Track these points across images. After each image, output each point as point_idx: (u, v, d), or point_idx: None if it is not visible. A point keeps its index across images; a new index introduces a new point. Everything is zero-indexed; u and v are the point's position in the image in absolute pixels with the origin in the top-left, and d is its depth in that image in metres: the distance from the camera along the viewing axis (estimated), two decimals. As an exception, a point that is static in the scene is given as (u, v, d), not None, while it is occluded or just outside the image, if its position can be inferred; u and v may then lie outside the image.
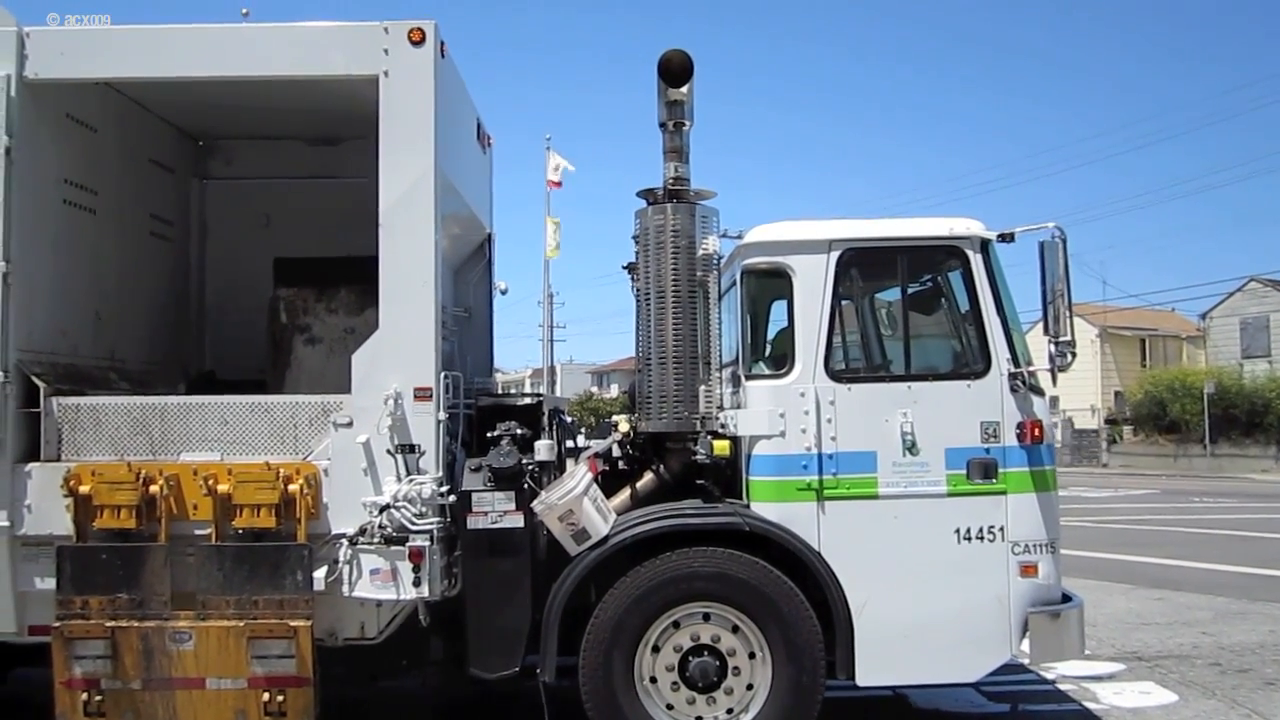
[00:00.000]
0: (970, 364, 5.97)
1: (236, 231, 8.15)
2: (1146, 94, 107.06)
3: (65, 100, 6.33)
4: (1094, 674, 7.95)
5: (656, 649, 5.70)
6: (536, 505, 5.71)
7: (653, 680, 5.69)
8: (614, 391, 70.46)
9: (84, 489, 5.64)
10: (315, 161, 8.06)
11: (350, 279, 6.99)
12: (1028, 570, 5.77)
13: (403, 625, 5.96)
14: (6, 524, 5.72)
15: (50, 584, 5.71)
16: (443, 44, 6.01)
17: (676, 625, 5.71)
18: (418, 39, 5.88)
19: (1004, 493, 5.79)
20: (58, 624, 5.60)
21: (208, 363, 8.11)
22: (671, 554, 5.67)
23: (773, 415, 5.81)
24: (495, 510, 5.74)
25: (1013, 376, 5.85)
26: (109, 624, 5.58)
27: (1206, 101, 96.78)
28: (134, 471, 5.66)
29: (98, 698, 5.58)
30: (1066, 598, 5.96)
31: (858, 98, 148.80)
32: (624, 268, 6.87)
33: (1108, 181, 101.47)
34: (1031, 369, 5.90)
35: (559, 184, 27.93)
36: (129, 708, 5.61)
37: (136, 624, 5.60)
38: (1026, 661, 6.63)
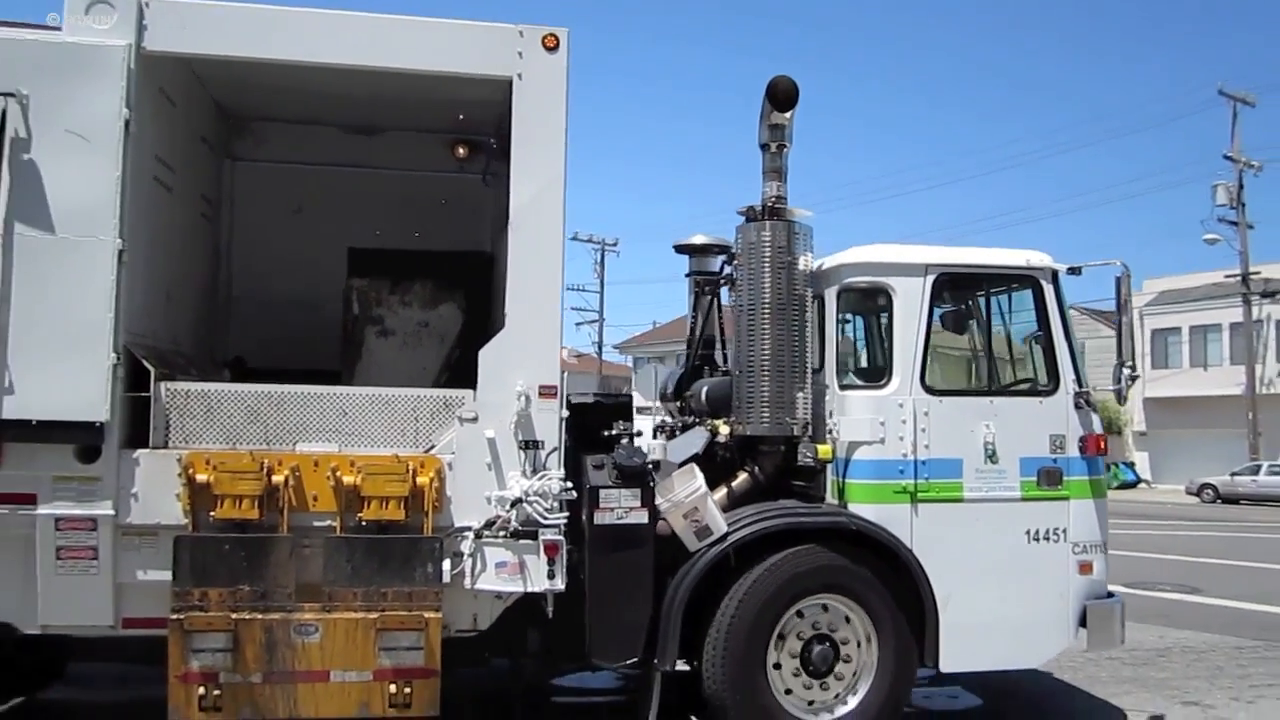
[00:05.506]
0: (1042, 382, 6.63)
1: (264, 215, 7.93)
2: (1069, 100, 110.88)
3: (162, 74, 6.10)
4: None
5: (783, 637, 6.07)
6: (662, 502, 5.95)
7: (776, 666, 6.06)
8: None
9: (201, 477, 5.49)
10: (347, 150, 7.95)
11: (424, 273, 7.00)
12: (1085, 568, 6.47)
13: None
14: (111, 513, 5.49)
15: (152, 575, 5.54)
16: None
17: (800, 615, 6.10)
18: (552, 45, 6.00)
19: (1067, 498, 6.47)
20: (176, 616, 5.42)
21: (233, 349, 7.86)
22: (802, 549, 6.04)
23: (874, 423, 6.27)
24: (622, 506, 5.94)
25: (1077, 394, 6.54)
26: (233, 616, 5.46)
27: (1130, 110, 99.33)
28: (257, 461, 5.56)
29: (215, 691, 5.43)
30: (1109, 594, 6.70)
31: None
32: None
33: (1026, 187, 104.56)
34: (1092, 388, 6.61)
35: None
36: (247, 701, 5.49)
37: (260, 616, 5.50)
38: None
